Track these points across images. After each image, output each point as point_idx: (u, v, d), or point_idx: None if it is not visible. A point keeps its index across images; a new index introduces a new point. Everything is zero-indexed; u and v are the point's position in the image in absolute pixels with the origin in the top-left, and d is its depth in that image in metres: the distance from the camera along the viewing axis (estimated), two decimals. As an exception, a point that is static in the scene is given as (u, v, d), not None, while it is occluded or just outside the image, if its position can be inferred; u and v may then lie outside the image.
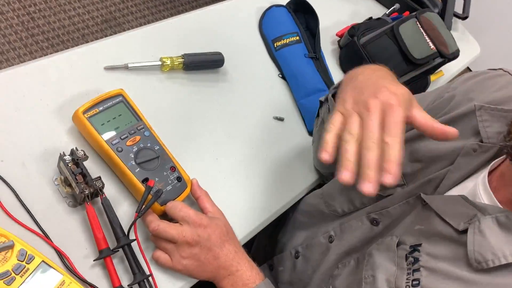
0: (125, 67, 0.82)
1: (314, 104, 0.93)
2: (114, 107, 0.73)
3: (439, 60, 1.03)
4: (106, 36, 1.75)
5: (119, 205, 0.70)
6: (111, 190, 0.70)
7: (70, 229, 0.66)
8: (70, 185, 0.65)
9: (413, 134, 0.70)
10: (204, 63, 0.88)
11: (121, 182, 0.72)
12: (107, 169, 0.72)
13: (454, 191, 0.63)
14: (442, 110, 0.72)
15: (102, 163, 0.72)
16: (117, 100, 0.73)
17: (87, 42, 1.69)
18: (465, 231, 0.56)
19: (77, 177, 0.64)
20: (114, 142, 0.70)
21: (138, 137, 0.72)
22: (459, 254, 0.56)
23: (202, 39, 0.94)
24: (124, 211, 0.70)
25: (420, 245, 0.61)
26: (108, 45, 0.84)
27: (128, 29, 1.83)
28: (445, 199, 0.62)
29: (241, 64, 0.95)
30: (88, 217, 0.65)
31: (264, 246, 0.99)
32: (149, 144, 0.72)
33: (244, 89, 0.93)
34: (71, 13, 1.68)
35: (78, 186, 0.64)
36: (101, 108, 0.71)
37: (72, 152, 0.66)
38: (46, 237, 0.64)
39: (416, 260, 0.59)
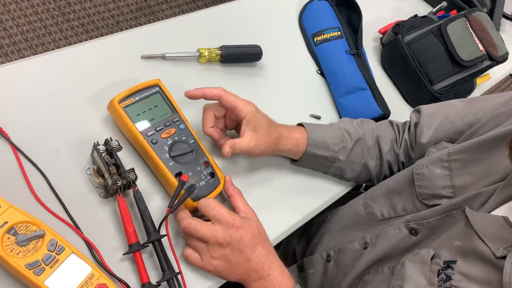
0: (162, 57, 0.80)
1: (354, 103, 0.90)
2: (150, 98, 0.71)
3: (487, 62, 0.97)
4: (140, 24, 1.74)
5: (150, 198, 0.68)
6: (143, 182, 0.69)
7: (100, 221, 0.64)
8: (102, 176, 0.64)
9: (469, 145, 0.66)
10: (242, 56, 0.85)
11: (153, 175, 0.70)
12: (140, 161, 0.71)
13: (501, 210, 0.59)
14: (509, 119, 0.67)
15: (135, 155, 0.71)
16: (154, 90, 0.71)
17: (121, 29, 1.69)
18: (503, 257, 0.52)
19: (110, 168, 0.63)
20: (149, 133, 0.68)
21: (173, 130, 0.70)
22: (494, 279, 0.52)
23: (240, 31, 0.91)
24: (155, 204, 0.68)
25: (455, 262, 0.57)
26: (146, 33, 0.82)
27: (162, 18, 1.82)
28: (487, 218, 0.58)
29: (279, 58, 0.92)
30: (119, 210, 0.63)
31: (294, 246, 0.96)
32: (183, 137, 0.70)
33: (281, 84, 0.89)
34: (107, -1, 1.68)
35: (111, 177, 0.62)
36: (137, 98, 0.69)
37: (106, 142, 0.64)
38: (76, 228, 0.62)
39: (449, 278, 0.56)
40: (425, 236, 0.66)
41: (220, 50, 0.83)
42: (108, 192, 0.66)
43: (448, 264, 0.58)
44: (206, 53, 0.82)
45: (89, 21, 1.62)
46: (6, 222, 0.55)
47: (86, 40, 1.60)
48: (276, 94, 0.88)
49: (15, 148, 0.64)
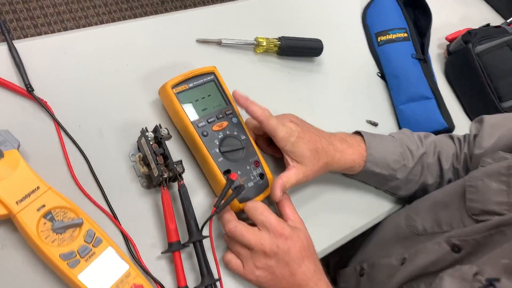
0: (218, 43, 0.74)
1: (416, 113, 0.83)
2: (205, 86, 0.65)
3: None
4: (184, 6, 1.68)
5: (193, 193, 0.63)
6: (187, 176, 0.64)
7: (139, 213, 0.60)
8: (148, 165, 0.59)
9: None
10: (302, 50, 0.79)
11: (199, 169, 0.65)
12: (186, 152, 0.66)
13: None
14: None
15: (182, 145, 0.66)
16: (209, 78, 0.66)
17: (166, 10, 1.64)
18: None
19: (157, 158, 0.58)
20: (200, 124, 0.63)
21: (225, 123, 0.64)
22: None
23: (299, 22, 0.85)
24: (198, 201, 0.63)
25: (498, 280, 0.51)
26: (201, 15, 0.77)
27: (207, 3, 1.76)
28: None
29: (338, 55, 0.85)
30: (162, 204, 0.58)
31: (328, 257, 0.91)
32: (235, 132, 0.65)
33: (338, 84, 0.83)
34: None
35: (158, 167, 0.57)
36: (191, 85, 0.64)
37: (156, 129, 0.59)
38: (114, 218, 0.58)
39: None
40: (468, 253, 0.59)
41: (279, 41, 0.77)
42: (152, 183, 0.61)
43: (491, 282, 0.52)
44: (264, 43, 0.76)
45: (138, 4, 1.57)
46: (43, 206, 0.51)
47: (130, 17, 1.56)
48: (332, 94, 0.81)
49: (59, 125, 0.60)
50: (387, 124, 0.84)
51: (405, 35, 0.88)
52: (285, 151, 0.64)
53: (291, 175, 0.63)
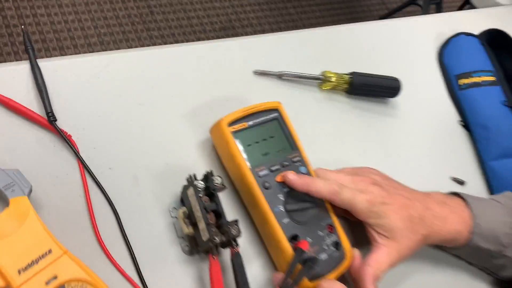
0: (279, 76, 0.62)
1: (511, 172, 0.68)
2: (267, 125, 0.52)
3: None
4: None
5: (247, 263, 0.49)
6: (240, 240, 0.49)
7: (177, 285, 0.45)
8: (194, 224, 0.45)
9: None
10: (376, 89, 0.66)
11: (254, 231, 0.51)
12: (239, 208, 0.52)
13: None
14: None
15: (234, 199, 0.52)
16: (272, 116, 0.53)
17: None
18: None
19: (208, 216, 0.44)
20: (261, 173, 0.49)
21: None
22: None
23: (367, 58, 0.72)
24: (254, 274, 0.49)
25: None
26: (260, 44, 0.65)
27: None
28: None
29: (413, 98, 0.72)
30: (210, 277, 0.43)
31: None
32: (304, 186, 0.51)
33: (417, 132, 0.69)
34: (191, 13, 1.56)
35: (208, 229, 0.43)
36: (250, 123, 0.51)
37: (207, 178, 0.46)
38: (146, 294, 0.43)
39: None
40: None
41: (350, 77, 0.64)
42: (196, 248, 0.47)
43: None
44: (334, 79, 0.63)
45: (169, 33, 1.50)
46: (55, 277, 0.37)
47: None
48: (411, 144, 0.67)
49: (84, 166, 0.47)
50: (475, 183, 0.69)
51: (493, 78, 0.74)
52: (369, 224, 0.49)
53: (382, 258, 0.48)
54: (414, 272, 0.56)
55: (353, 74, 0.65)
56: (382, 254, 0.49)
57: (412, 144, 0.68)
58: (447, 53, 0.79)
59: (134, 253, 0.45)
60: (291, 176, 0.48)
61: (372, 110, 0.67)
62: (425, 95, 0.74)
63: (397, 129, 0.68)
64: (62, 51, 1.26)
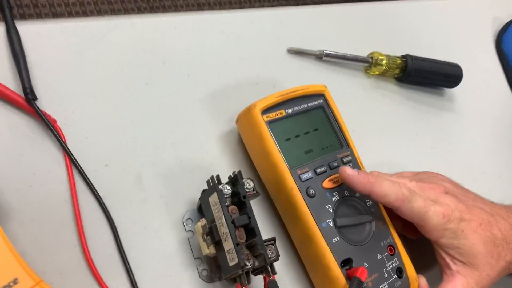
0: (319, 56, 0.50)
1: None
2: (310, 115, 0.41)
3: None
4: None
5: (283, 293, 0.37)
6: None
7: (193, 325, 0.34)
8: (217, 243, 0.33)
9: None
10: (433, 76, 0.54)
11: (293, 250, 0.39)
12: (272, 220, 0.40)
13: None
14: None
15: (266, 207, 0.40)
16: (316, 103, 0.41)
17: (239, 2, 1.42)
18: None
19: (237, 232, 0.32)
20: (304, 176, 0.37)
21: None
22: None
23: (416, 40, 0.60)
24: (291, 308, 0.37)
25: None
26: (297, 17, 0.53)
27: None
28: None
29: (472, 89, 0.60)
30: (237, 316, 0.32)
31: None
32: (358, 194, 0.39)
33: (478, 130, 0.57)
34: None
35: (238, 251, 0.31)
36: (290, 111, 0.40)
37: (235, 181, 0.34)
38: (151, 337, 0.32)
39: None
40: None
41: (403, 61, 0.53)
42: (218, 273, 0.36)
43: None
44: (384, 62, 0.52)
45: (183, 3, 1.35)
46: (21, 321, 0.26)
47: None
48: (470, 146, 0.56)
49: (72, 161, 0.35)
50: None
51: None
52: (441, 245, 0.38)
53: None
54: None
55: (406, 57, 0.53)
56: (458, 286, 0.37)
57: (473, 146, 0.56)
58: (507, 39, 0.67)
59: (135, 280, 0.33)
60: (349, 171, 0.37)
61: (426, 102, 0.56)
62: (485, 87, 0.62)
63: (455, 126, 0.56)
64: (56, 18, 1.14)
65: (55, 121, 0.36)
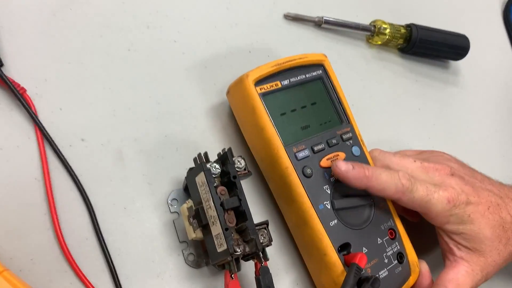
0: (317, 23, 0.47)
1: None
2: (308, 87, 0.37)
3: None
4: None
5: (275, 278, 0.35)
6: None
7: (178, 313, 0.31)
8: (205, 227, 0.31)
9: None
10: (439, 47, 0.50)
11: (287, 234, 0.37)
12: (265, 201, 0.37)
13: None
14: None
15: (258, 188, 0.37)
16: (314, 74, 0.38)
17: None
18: None
19: (226, 215, 0.29)
20: (300, 154, 0.34)
21: (341, 155, 0.36)
22: None
23: (419, 9, 0.57)
24: (284, 294, 0.35)
25: None
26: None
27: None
28: None
29: (478, 63, 0.57)
30: (225, 305, 0.30)
31: None
32: (358, 174, 0.36)
33: (483, 105, 0.55)
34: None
35: (227, 236, 0.28)
36: (286, 83, 0.36)
37: (224, 159, 0.31)
38: (131, 328, 0.29)
39: None
40: None
41: (407, 30, 0.49)
42: (205, 258, 0.33)
43: None
44: (388, 31, 0.48)
45: None
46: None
47: None
48: (476, 120, 0.53)
49: (43, 135, 0.32)
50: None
51: None
52: (446, 231, 0.35)
53: (462, 278, 0.35)
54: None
55: (411, 26, 0.49)
56: (461, 273, 0.35)
57: (477, 122, 0.53)
58: (516, 9, 0.64)
59: (114, 265, 0.30)
60: (343, 167, 0.34)
61: (430, 75, 0.52)
62: (491, 60, 0.59)
63: (459, 101, 0.53)
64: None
65: (24, 90, 0.32)
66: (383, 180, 0.33)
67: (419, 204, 0.34)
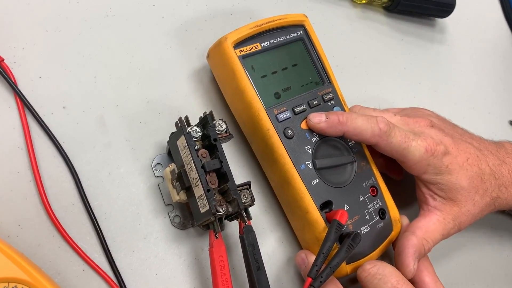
0: (300, -18, 0.46)
1: None
2: (288, 48, 0.37)
3: None
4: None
5: (261, 236, 0.36)
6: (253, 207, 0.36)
7: (167, 274, 0.32)
8: (188, 189, 0.31)
9: None
10: (424, 4, 0.50)
11: (271, 194, 0.38)
12: (249, 163, 0.38)
13: None
14: None
15: (242, 150, 0.38)
16: (295, 35, 0.38)
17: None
18: None
19: (208, 178, 0.30)
20: (281, 116, 0.35)
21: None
22: None
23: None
24: (268, 252, 0.36)
25: None
26: None
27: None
28: None
29: (465, 20, 0.56)
30: (211, 261, 0.31)
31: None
32: (339, 134, 0.37)
33: (469, 63, 0.54)
34: None
35: (209, 197, 0.29)
36: (266, 45, 0.36)
37: (205, 122, 0.31)
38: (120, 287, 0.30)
39: None
40: None
41: (392, -13, 0.48)
42: (191, 219, 0.34)
43: None
44: (372, -11, 0.48)
45: None
46: (-31, 279, 0.24)
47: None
48: (462, 78, 0.53)
49: (24, 103, 0.32)
50: (538, 128, 0.55)
51: None
52: (423, 181, 0.36)
53: (432, 225, 0.35)
54: (466, 244, 0.44)
55: (396, -17, 0.49)
56: (432, 220, 0.36)
57: (463, 80, 0.53)
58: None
59: (101, 229, 0.31)
60: (316, 118, 0.34)
61: (416, 33, 0.52)
62: (478, 16, 0.58)
63: (446, 59, 0.53)
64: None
65: (2, 59, 0.32)
66: (358, 124, 0.34)
67: (397, 150, 0.34)
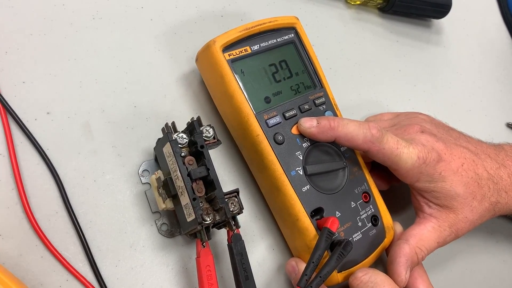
0: (292, -17, 0.45)
1: None
2: (279, 51, 0.36)
3: None
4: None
5: (250, 244, 0.35)
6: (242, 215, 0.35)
7: (153, 281, 0.32)
8: (174, 197, 0.30)
9: None
10: (420, 5, 0.49)
11: (261, 200, 0.37)
12: (239, 170, 0.37)
13: None
14: None
15: (231, 157, 0.37)
16: (286, 38, 0.37)
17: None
18: None
19: (195, 186, 0.29)
20: (271, 121, 0.34)
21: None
22: None
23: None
24: (258, 260, 0.35)
25: None
26: None
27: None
28: None
29: (461, 22, 0.55)
30: (198, 271, 0.30)
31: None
32: (331, 139, 0.36)
33: (466, 65, 0.54)
34: None
35: (195, 206, 0.28)
36: (256, 48, 0.35)
37: (192, 128, 0.31)
38: (105, 297, 0.30)
39: None
40: None
41: (387, -12, 0.48)
42: (178, 227, 0.33)
43: None
44: (366, -10, 0.47)
45: None
46: None
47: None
48: (458, 80, 0.52)
49: (6, 109, 0.31)
50: (535, 131, 0.54)
51: (562, -5, 0.58)
52: (417, 189, 0.35)
53: (427, 233, 0.35)
54: (462, 250, 0.43)
55: (391, -16, 0.48)
56: (427, 228, 0.35)
57: (460, 82, 0.52)
58: (503, -37, 0.62)
59: (86, 238, 0.30)
60: (306, 123, 0.34)
61: (411, 35, 0.51)
62: (475, 17, 0.58)
63: (442, 61, 0.52)
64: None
65: (-16, 63, 0.31)
66: (350, 130, 0.33)
67: (389, 157, 0.34)
